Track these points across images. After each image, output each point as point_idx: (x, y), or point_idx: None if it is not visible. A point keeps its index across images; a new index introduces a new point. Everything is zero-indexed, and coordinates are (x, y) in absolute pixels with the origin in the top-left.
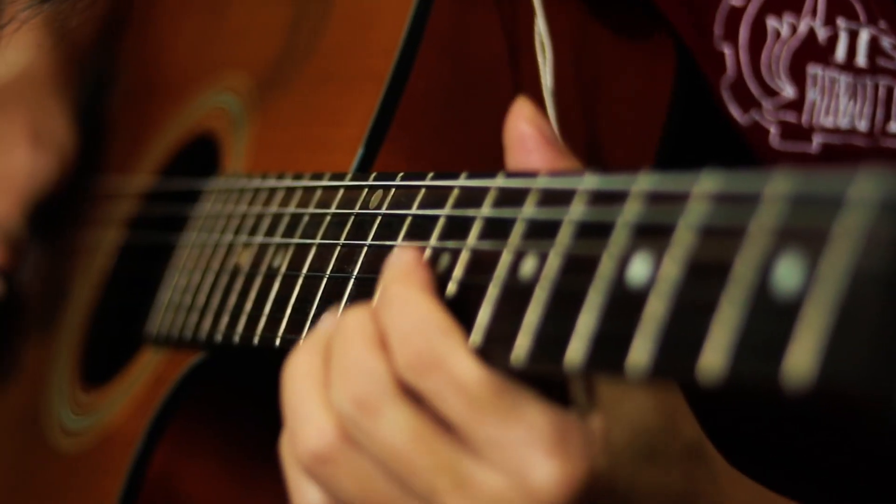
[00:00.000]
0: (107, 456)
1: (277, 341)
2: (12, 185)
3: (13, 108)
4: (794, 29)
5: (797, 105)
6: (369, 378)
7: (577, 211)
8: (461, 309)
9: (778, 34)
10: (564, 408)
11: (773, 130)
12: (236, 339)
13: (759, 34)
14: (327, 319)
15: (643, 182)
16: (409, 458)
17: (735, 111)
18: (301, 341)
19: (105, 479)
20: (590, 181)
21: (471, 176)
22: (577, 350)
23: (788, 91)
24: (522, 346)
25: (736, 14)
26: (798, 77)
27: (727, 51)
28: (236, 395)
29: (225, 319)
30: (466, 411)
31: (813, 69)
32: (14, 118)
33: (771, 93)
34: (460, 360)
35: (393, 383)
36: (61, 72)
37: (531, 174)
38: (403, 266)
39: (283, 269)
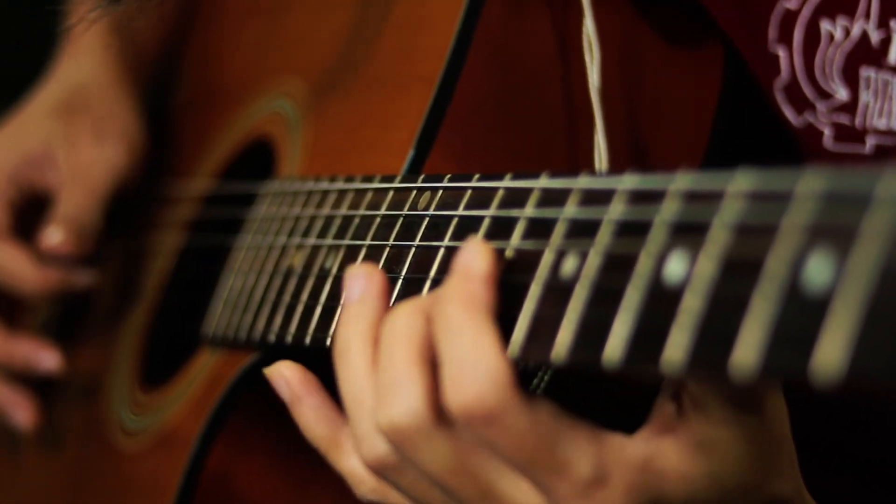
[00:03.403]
0: (164, 455)
1: (328, 341)
2: (82, 177)
3: (78, 113)
4: (847, 32)
5: (850, 107)
6: (408, 407)
7: (616, 210)
8: (505, 306)
9: (832, 37)
10: (608, 441)
11: (827, 132)
12: (289, 338)
13: (813, 37)
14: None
15: (680, 181)
16: (447, 486)
17: (789, 113)
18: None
19: (162, 478)
20: (629, 181)
21: (515, 177)
22: (615, 346)
23: (842, 93)
24: (563, 342)
25: (791, 17)
26: (851, 79)
27: (782, 53)
28: None
29: (278, 320)
30: (512, 458)
31: (866, 72)
32: (78, 121)
33: (825, 95)
34: (515, 416)
35: (432, 415)
36: (128, 70)
37: (573, 175)
38: (472, 285)
39: (335, 270)
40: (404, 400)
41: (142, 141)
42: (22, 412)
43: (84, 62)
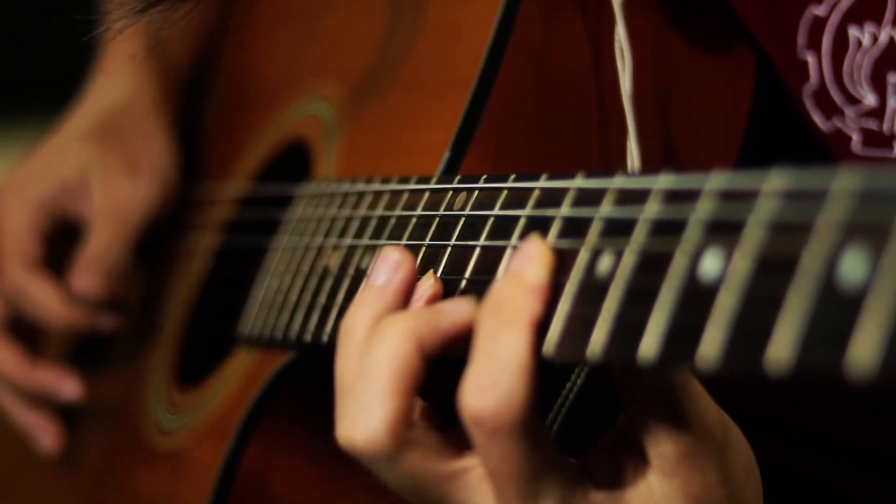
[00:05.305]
0: (200, 454)
1: None
2: (114, 215)
3: (113, 140)
4: (875, 38)
5: (878, 113)
6: (368, 434)
7: (651, 209)
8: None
9: (860, 43)
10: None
11: (856, 137)
12: (325, 338)
13: (841, 43)
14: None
15: (715, 180)
16: (404, 495)
17: (818, 118)
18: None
19: (198, 477)
20: (664, 180)
21: (551, 177)
22: (650, 343)
23: (870, 99)
24: (598, 340)
25: (819, 23)
26: (879, 85)
27: (810, 59)
28: (327, 394)
29: (314, 319)
30: (493, 470)
31: (894, 77)
32: (113, 151)
33: (853, 101)
34: (519, 437)
35: (392, 443)
36: (163, 89)
37: (608, 174)
38: (524, 295)
39: (371, 270)
40: (367, 425)
41: (174, 174)
42: (47, 436)
43: (119, 82)
